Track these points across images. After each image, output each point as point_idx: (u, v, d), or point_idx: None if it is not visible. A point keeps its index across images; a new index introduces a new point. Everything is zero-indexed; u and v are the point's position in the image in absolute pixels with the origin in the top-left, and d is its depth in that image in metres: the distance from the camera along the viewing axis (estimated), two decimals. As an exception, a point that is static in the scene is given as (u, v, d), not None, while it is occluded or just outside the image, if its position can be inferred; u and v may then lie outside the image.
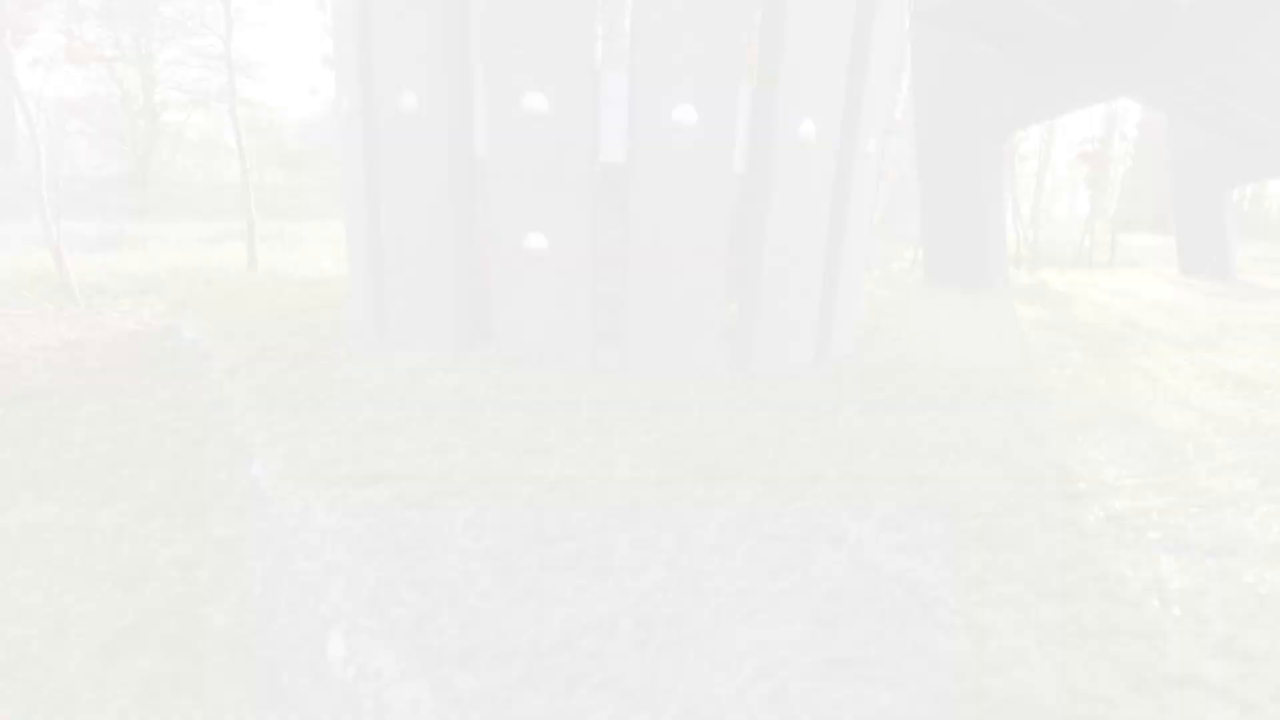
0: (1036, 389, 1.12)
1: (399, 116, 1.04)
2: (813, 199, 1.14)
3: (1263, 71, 2.94)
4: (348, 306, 1.35)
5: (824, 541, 0.59)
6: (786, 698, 0.58)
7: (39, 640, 0.64)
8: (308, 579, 0.57)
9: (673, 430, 0.80)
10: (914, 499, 0.67)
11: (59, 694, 0.62)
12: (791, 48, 1.04)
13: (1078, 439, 0.90)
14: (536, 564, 0.53)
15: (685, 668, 0.57)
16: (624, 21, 1.35)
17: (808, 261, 1.16)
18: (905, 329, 1.69)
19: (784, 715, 0.57)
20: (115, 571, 0.66)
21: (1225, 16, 2.65)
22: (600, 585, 0.56)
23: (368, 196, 1.14)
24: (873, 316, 1.93)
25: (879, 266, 4.84)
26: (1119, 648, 0.61)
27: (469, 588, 0.55)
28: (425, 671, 0.55)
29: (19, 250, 3.68)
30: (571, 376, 1.01)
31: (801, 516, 0.62)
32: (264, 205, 10.80)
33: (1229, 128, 4.55)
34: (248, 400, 0.86)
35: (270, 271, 2.98)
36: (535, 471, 0.65)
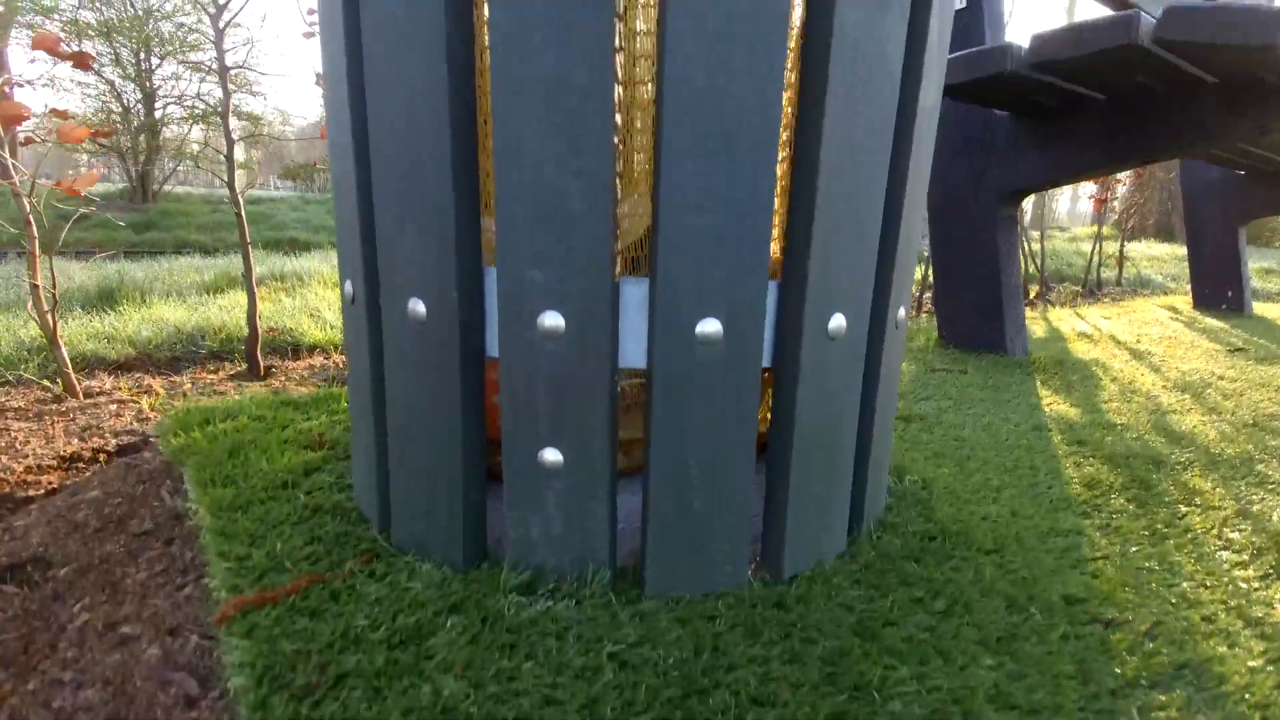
0: (1093, 598, 1.04)
1: (408, 322, 0.95)
2: (843, 386, 1.04)
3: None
4: (352, 477, 1.27)
5: None
6: None
7: None
8: None
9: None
10: None
11: None
12: (819, 244, 0.95)
13: (1151, 714, 0.82)
14: None
15: None
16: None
17: (838, 451, 1.07)
18: (930, 457, 1.62)
19: None
20: None
21: (1251, 93, 2.57)
22: None
23: (373, 393, 1.04)
24: (894, 429, 1.86)
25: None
26: None
27: None
28: None
29: (16, 298, 3.61)
30: (590, 614, 0.93)
31: None
32: (264, 220, 10.74)
33: (1244, 165, 4.48)
34: (245, 677, 0.79)
35: (273, 338, 2.96)
36: None
